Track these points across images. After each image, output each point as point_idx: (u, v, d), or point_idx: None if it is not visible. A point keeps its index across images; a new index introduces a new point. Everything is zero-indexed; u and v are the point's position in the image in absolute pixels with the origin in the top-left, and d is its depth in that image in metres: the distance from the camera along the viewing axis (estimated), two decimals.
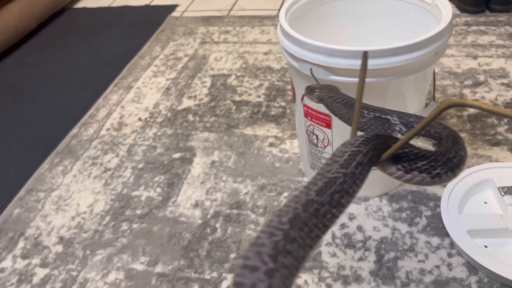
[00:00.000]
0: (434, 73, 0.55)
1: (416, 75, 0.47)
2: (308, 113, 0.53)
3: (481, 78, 0.80)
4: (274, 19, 1.12)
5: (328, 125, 0.52)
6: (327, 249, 0.54)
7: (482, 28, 0.95)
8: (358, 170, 0.21)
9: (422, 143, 0.29)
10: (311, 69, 0.46)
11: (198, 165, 0.69)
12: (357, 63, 0.43)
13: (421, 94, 0.52)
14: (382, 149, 0.23)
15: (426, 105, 0.58)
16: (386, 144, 0.23)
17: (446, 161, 0.23)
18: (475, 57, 0.86)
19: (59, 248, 0.59)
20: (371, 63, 0.43)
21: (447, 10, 0.47)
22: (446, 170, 0.23)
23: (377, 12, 0.59)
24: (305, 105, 0.53)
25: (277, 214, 0.19)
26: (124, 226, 0.61)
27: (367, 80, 0.45)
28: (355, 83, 0.45)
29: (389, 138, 0.24)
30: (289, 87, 0.85)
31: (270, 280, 0.16)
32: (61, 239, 0.60)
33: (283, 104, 0.81)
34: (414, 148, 0.24)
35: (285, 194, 0.62)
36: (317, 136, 0.55)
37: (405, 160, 0.23)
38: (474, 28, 0.95)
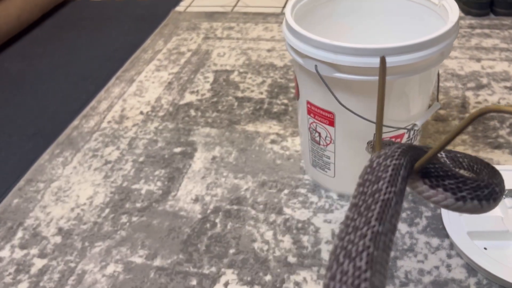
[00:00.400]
0: (438, 74, 0.55)
1: (420, 75, 0.47)
2: (311, 110, 0.53)
3: (484, 81, 0.80)
4: (278, 16, 1.12)
5: (331, 123, 0.52)
6: (327, 247, 0.54)
7: (486, 31, 0.95)
8: (402, 185, 0.21)
9: None
10: (316, 66, 0.46)
11: (199, 160, 0.69)
12: (362, 61, 0.43)
13: (425, 95, 0.52)
14: (416, 161, 0.23)
15: (429, 106, 0.58)
16: (419, 156, 0.23)
17: (476, 187, 0.22)
18: (478, 60, 0.86)
19: (58, 239, 0.59)
20: (376, 61, 0.43)
21: (454, 10, 0.47)
22: (473, 196, 0.22)
23: (382, 11, 0.59)
24: (308, 102, 0.53)
25: (347, 255, 0.17)
26: (124, 219, 0.61)
27: (371, 78, 0.45)
28: (360, 81, 0.45)
29: (421, 150, 0.23)
30: (291, 84, 0.85)
31: None
32: (60, 230, 0.60)
33: (285, 101, 0.81)
34: (445, 166, 0.23)
35: (286, 191, 0.62)
36: (319, 133, 0.55)
37: (434, 176, 0.22)
38: (478, 31, 0.95)
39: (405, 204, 0.58)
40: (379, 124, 0.25)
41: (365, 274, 0.16)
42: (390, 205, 0.19)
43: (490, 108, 0.18)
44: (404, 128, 0.51)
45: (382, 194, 0.20)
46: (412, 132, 0.53)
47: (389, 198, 0.19)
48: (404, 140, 0.53)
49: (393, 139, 0.52)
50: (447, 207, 0.23)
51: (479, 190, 0.23)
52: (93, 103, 0.86)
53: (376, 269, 0.16)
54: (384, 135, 0.51)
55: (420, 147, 0.24)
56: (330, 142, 0.54)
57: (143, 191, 0.65)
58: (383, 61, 0.24)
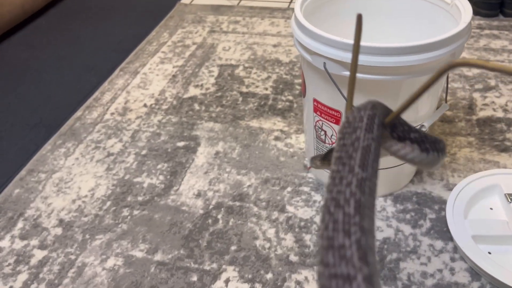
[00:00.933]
0: (447, 75, 0.55)
1: (430, 75, 0.46)
2: (318, 108, 0.53)
3: (492, 82, 0.79)
4: (284, 11, 1.11)
5: (338, 122, 0.51)
6: None
7: (495, 32, 0.94)
8: (379, 132, 0.22)
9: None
10: (324, 63, 0.45)
11: (202, 155, 0.69)
12: (372, 60, 0.42)
13: (434, 96, 0.52)
14: (386, 115, 0.24)
15: (437, 107, 0.57)
16: (387, 112, 0.24)
17: (434, 141, 0.25)
18: (486, 61, 0.84)
19: (59, 230, 0.58)
20: (387, 60, 0.42)
21: (467, 10, 0.46)
22: (433, 148, 0.25)
23: (391, 9, 0.58)
24: (315, 100, 0.52)
25: (336, 205, 0.17)
26: (125, 212, 0.60)
27: (380, 77, 0.44)
28: (369, 80, 0.45)
29: (387, 107, 0.25)
30: (297, 81, 0.84)
31: (373, 284, 0.14)
32: (60, 222, 0.60)
33: (290, 98, 0.80)
34: (408, 123, 0.25)
35: (289, 188, 0.62)
36: (325, 132, 0.54)
37: (400, 130, 0.24)
38: (487, 31, 0.94)
39: (409, 205, 0.58)
40: (351, 86, 0.26)
41: (354, 219, 0.17)
42: (370, 151, 0.20)
43: (457, 62, 0.18)
44: None
45: (361, 142, 0.21)
46: None
47: (368, 145, 0.20)
48: None
49: None
50: (412, 159, 0.25)
51: (436, 143, 0.25)
52: (96, 94, 0.86)
53: (365, 213, 0.17)
54: None
55: (385, 105, 0.25)
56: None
57: (145, 185, 0.64)
58: (359, 19, 0.24)
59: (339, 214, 0.17)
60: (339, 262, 0.15)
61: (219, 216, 0.58)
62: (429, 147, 0.24)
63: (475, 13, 1.01)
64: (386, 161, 0.54)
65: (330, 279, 0.15)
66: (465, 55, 0.87)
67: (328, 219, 0.17)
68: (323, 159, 0.37)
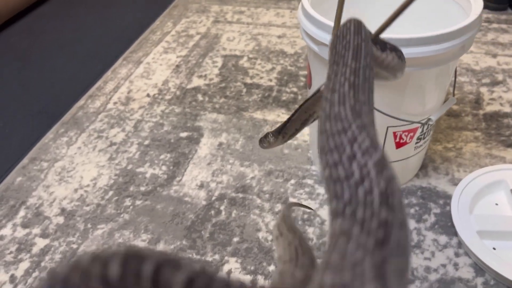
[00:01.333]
0: (456, 69, 0.54)
1: (438, 68, 0.45)
2: None
3: (500, 77, 0.78)
4: (290, 2, 1.09)
5: None
6: None
7: (503, 26, 0.93)
8: (367, 36, 0.23)
9: None
10: None
11: (205, 146, 0.68)
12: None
13: (441, 90, 0.51)
14: (368, 32, 0.26)
15: (444, 101, 0.56)
16: (369, 30, 0.26)
17: (400, 50, 0.28)
18: (494, 56, 0.83)
19: (60, 219, 0.58)
20: None
21: (478, 2, 0.45)
22: (401, 55, 0.28)
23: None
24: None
25: (332, 91, 0.18)
26: (127, 202, 0.60)
27: None
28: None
29: (367, 27, 0.27)
30: (301, 72, 0.83)
31: (367, 130, 0.15)
32: (62, 211, 0.59)
33: (294, 89, 0.79)
34: (382, 38, 0.28)
35: (292, 181, 0.61)
36: None
37: (380, 43, 0.27)
38: (495, 25, 0.93)
39: (413, 200, 0.57)
40: (340, 9, 0.29)
41: (349, 94, 0.18)
42: (361, 48, 0.22)
43: None
44: (419, 122, 0.50)
45: (351, 42, 0.22)
46: (426, 127, 0.52)
47: (358, 43, 0.22)
48: (417, 135, 0.52)
49: (407, 133, 0.51)
50: (394, 67, 0.27)
51: (401, 52, 0.28)
52: (99, 83, 0.85)
53: (359, 90, 0.18)
54: (398, 129, 0.50)
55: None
56: None
57: (147, 175, 0.64)
58: None
59: (335, 96, 0.18)
60: (335, 124, 0.16)
61: (222, 208, 0.58)
62: (400, 55, 0.28)
63: (484, 6, 0.99)
64: (391, 156, 0.54)
65: (327, 139, 0.16)
66: (473, 48, 0.86)
67: (325, 104, 0.18)
68: (278, 133, 0.38)
